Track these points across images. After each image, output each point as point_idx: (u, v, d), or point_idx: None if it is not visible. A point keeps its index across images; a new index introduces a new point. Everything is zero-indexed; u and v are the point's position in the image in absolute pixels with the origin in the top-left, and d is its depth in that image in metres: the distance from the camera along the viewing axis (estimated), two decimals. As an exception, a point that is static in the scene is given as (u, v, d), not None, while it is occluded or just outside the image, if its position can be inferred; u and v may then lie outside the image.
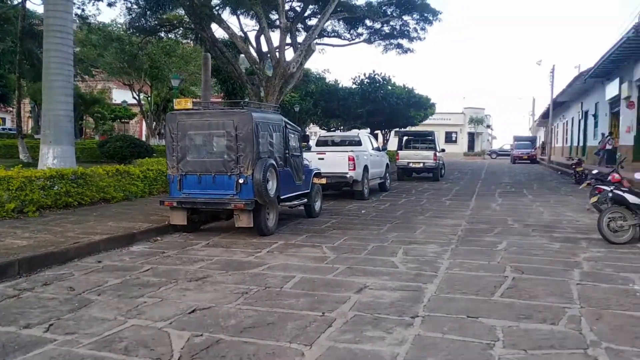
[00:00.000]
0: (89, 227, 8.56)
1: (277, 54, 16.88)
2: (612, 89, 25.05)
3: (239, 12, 18.02)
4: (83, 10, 21.07)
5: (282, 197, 9.53)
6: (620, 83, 23.33)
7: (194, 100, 10.39)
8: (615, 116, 25.89)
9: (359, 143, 15.82)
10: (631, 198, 8.45)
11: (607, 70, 24.40)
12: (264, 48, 17.23)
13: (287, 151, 9.82)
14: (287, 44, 17.64)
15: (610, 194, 8.65)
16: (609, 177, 11.04)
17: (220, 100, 23.25)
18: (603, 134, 26.35)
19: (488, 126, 78.97)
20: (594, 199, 9.83)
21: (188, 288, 5.69)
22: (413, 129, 38.11)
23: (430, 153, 21.89)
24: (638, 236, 8.35)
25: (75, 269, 6.52)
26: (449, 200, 14.73)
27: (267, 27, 16.83)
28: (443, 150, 24.20)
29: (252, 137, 8.51)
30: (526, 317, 4.74)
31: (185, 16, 17.96)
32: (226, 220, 9.75)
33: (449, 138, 67.72)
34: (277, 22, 17.59)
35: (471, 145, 69.36)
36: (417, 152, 22.25)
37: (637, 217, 8.29)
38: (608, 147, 23.78)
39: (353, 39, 22.72)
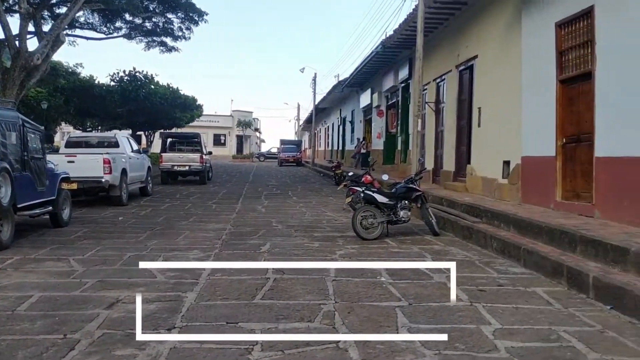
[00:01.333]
0: None
1: (17, 42, 14.80)
2: (365, 98, 27.82)
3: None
4: None
5: (19, 206, 8.37)
6: (372, 93, 26.03)
7: None
8: (368, 123, 28.78)
9: (116, 145, 14.78)
10: (380, 198, 9.27)
11: (361, 80, 27.10)
12: (0, 35, 14.98)
13: (25, 153, 8.72)
14: (30, 33, 15.63)
15: (362, 194, 9.38)
16: (362, 179, 12.09)
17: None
18: (358, 139, 29.09)
19: (256, 129, 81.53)
20: (349, 199, 10.63)
21: None
22: (180, 130, 37.33)
23: (197, 155, 21.60)
24: (386, 232, 9.18)
25: None
26: (215, 204, 14.61)
27: (3, 11, 14.64)
28: (210, 153, 24.10)
29: None
30: (285, 317, 4.74)
31: None
32: (-54, 235, 8.14)
33: (218, 140, 68.11)
34: (17, 7, 15.43)
35: (240, 148, 70.76)
36: (183, 155, 21.76)
37: (384, 214, 9.10)
38: (363, 151, 26.33)
39: (110, 33, 21.29)
